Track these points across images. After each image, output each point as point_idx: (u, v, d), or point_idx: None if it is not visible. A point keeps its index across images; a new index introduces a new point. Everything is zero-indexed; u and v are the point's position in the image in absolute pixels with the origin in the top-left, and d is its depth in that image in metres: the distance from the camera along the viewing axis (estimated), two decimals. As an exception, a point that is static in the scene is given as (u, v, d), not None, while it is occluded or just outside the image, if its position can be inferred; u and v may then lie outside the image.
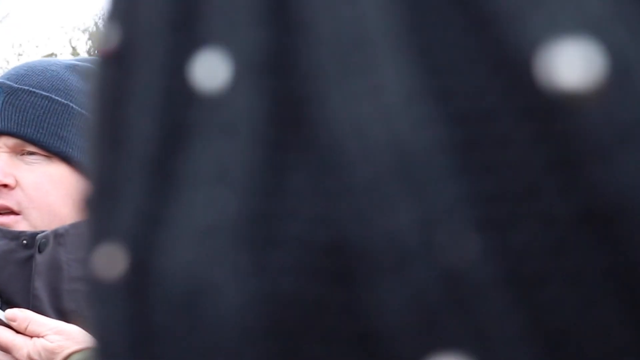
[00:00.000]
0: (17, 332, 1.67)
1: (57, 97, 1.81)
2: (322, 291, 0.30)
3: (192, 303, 0.32)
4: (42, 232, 1.76)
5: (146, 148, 0.34)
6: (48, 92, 1.81)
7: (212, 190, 0.32)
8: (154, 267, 0.33)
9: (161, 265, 0.32)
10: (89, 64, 1.89)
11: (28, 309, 1.68)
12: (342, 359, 0.30)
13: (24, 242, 1.76)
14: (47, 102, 1.80)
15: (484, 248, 0.29)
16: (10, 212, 1.79)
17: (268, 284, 0.31)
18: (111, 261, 0.34)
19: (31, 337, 1.66)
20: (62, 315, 1.74)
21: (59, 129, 1.79)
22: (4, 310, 1.67)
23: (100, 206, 0.36)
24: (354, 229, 0.30)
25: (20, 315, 1.67)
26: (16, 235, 1.76)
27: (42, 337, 1.65)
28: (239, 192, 0.31)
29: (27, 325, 1.66)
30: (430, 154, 0.29)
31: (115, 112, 0.35)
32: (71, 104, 1.81)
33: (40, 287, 1.75)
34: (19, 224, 1.78)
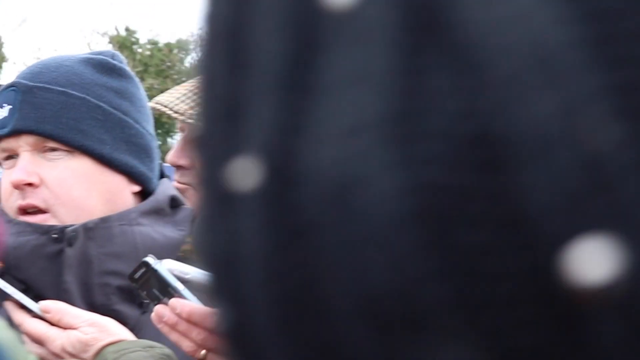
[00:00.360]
0: (51, 324, 1.67)
1: (73, 92, 1.81)
2: (468, 180, 0.32)
3: (341, 198, 0.34)
4: (72, 225, 1.76)
5: (277, 65, 0.36)
6: (64, 87, 1.81)
7: (354, 93, 0.34)
8: (297, 170, 0.35)
9: (306, 167, 0.35)
10: (102, 57, 1.89)
11: (60, 303, 1.68)
12: (490, 244, 0.32)
13: (54, 236, 1.77)
14: (63, 97, 1.80)
15: (623, 134, 0.31)
16: (37, 210, 1.79)
17: (415, 176, 0.33)
18: (245, 173, 0.36)
19: (65, 329, 1.66)
20: (93, 309, 1.74)
21: (78, 123, 1.80)
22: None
23: (226, 127, 0.38)
24: (498, 120, 0.32)
25: (54, 307, 1.67)
26: (46, 230, 1.77)
27: (76, 329, 1.65)
28: (381, 93, 0.33)
29: (61, 317, 1.66)
30: (567, 48, 0.31)
31: (236, 38, 0.37)
32: (88, 97, 1.82)
33: (70, 281, 1.76)
34: (47, 222, 1.79)
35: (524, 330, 0.32)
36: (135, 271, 1.65)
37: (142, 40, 30.54)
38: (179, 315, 1.56)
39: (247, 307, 0.37)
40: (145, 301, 1.73)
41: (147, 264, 1.65)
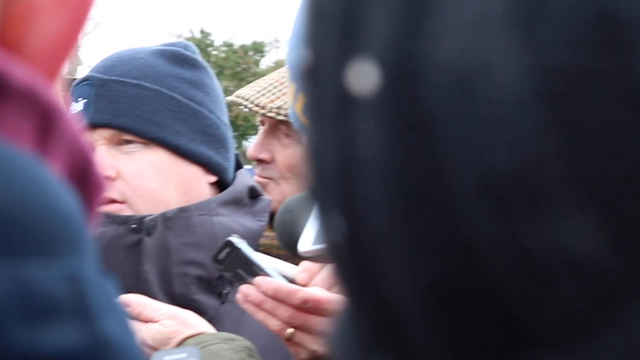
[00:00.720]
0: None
1: (147, 84, 1.81)
2: (592, 60, 0.34)
3: (465, 84, 0.35)
4: (150, 215, 1.76)
5: None
6: (138, 79, 1.81)
7: None
8: (418, 65, 0.36)
9: (427, 61, 0.36)
10: (175, 48, 1.88)
11: (138, 293, 1.69)
12: (611, 121, 0.34)
13: (133, 226, 1.77)
14: (137, 89, 1.80)
15: None
16: (113, 202, 1.79)
17: (540, 58, 0.34)
18: (365, 76, 0.38)
19: (145, 322, 1.65)
20: (172, 298, 1.74)
21: (153, 115, 1.79)
22: None
23: (344, 31, 0.39)
24: (619, 2, 0.33)
25: (134, 300, 1.67)
26: (124, 220, 1.77)
27: (156, 322, 1.64)
28: None
29: (141, 311, 1.66)
30: None
31: None
32: (162, 89, 1.81)
33: (149, 270, 1.76)
34: (124, 212, 1.79)
35: None
36: (219, 252, 1.62)
37: (217, 42, 30.76)
38: (264, 293, 1.53)
39: (363, 210, 0.38)
40: (224, 291, 1.71)
41: (231, 244, 1.63)
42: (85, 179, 0.47)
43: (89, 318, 0.42)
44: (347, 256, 0.40)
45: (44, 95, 0.45)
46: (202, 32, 30.07)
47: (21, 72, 0.43)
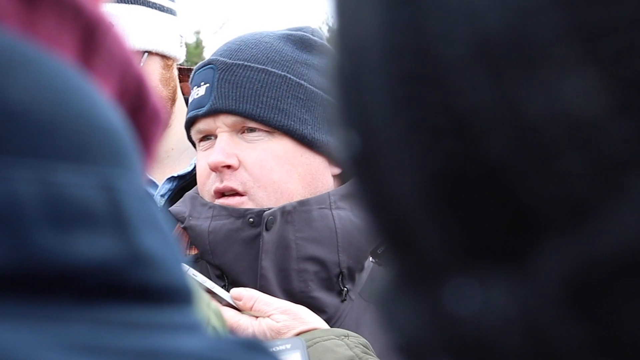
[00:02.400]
0: (241, 311, 1.60)
1: (273, 69, 1.74)
2: None
3: None
4: (269, 209, 1.68)
5: None
6: (264, 64, 1.74)
7: None
8: None
9: None
10: (302, 33, 1.80)
11: (255, 289, 1.64)
12: None
13: (250, 220, 1.71)
14: (263, 75, 1.73)
15: None
16: (235, 193, 1.72)
17: None
18: None
19: (257, 317, 1.61)
20: (290, 295, 1.70)
21: (279, 102, 1.72)
22: (229, 292, 1.61)
23: None
24: None
25: (245, 294, 1.62)
26: (242, 214, 1.71)
27: (268, 316, 1.60)
28: None
29: (253, 304, 1.61)
30: None
31: None
32: (289, 75, 1.74)
33: (267, 266, 1.70)
34: (245, 205, 1.73)
35: None
36: (378, 246, 1.54)
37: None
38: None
39: (368, 111, 0.38)
40: (344, 288, 1.64)
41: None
42: (139, 107, 0.47)
43: (124, 230, 0.41)
44: (362, 168, 0.40)
45: (87, 7, 0.44)
46: (329, 28, 30.18)
47: None
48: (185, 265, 1.51)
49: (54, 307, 0.38)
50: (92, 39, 0.44)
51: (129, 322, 0.40)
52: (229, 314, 1.61)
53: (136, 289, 0.41)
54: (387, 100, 0.37)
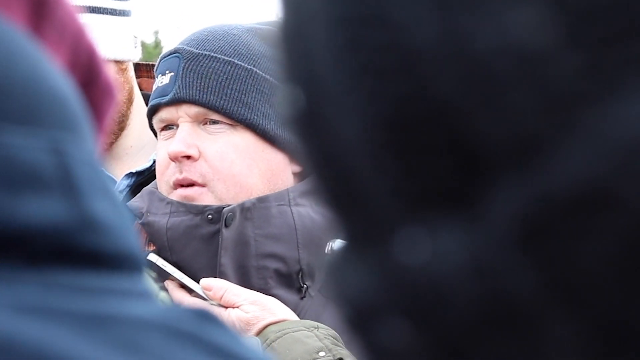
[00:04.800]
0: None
1: (239, 62, 1.71)
2: None
3: None
4: (228, 206, 1.64)
5: None
6: (230, 56, 1.71)
7: None
8: None
9: None
10: (270, 27, 1.76)
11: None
12: None
13: (209, 216, 1.69)
14: (229, 67, 1.70)
15: None
16: (193, 184, 1.67)
17: None
18: None
19: (226, 307, 1.60)
20: (250, 293, 1.67)
21: (243, 95, 1.69)
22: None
23: None
24: None
25: (215, 284, 1.61)
26: (201, 210, 1.68)
27: (237, 307, 1.59)
28: None
29: (223, 295, 1.60)
30: None
31: None
32: (254, 69, 1.71)
33: (226, 263, 1.69)
34: (203, 197, 1.69)
35: None
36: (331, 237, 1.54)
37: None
38: None
39: (312, 62, 0.37)
40: (304, 285, 1.61)
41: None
42: (91, 80, 0.47)
43: (73, 194, 0.41)
44: (306, 125, 0.39)
45: None
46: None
47: None
48: (154, 255, 1.48)
49: (2, 269, 0.38)
50: (43, 8, 0.44)
51: (78, 285, 0.40)
52: (198, 305, 1.57)
53: (86, 253, 0.41)
54: (330, 47, 0.36)
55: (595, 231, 0.31)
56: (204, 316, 0.43)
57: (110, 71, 0.39)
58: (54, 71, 0.43)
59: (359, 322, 0.38)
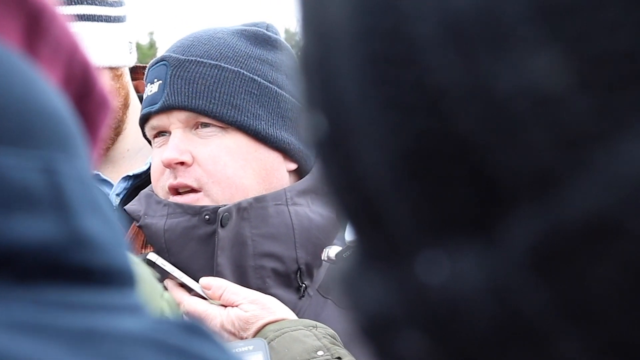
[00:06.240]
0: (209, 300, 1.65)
1: (226, 65, 1.73)
2: None
3: None
4: (224, 206, 1.66)
5: None
6: (217, 60, 1.73)
7: None
8: None
9: None
10: (257, 29, 1.77)
11: (211, 287, 1.63)
12: None
13: (206, 217, 1.71)
14: (216, 70, 1.72)
15: None
16: (190, 190, 1.70)
17: None
18: None
19: (225, 306, 1.61)
20: (247, 293, 1.67)
21: (232, 98, 1.71)
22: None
23: None
24: None
25: (214, 283, 1.62)
26: (197, 211, 1.70)
27: (236, 306, 1.60)
28: None
29: (222, 294, 1.61)
30: None
31: None
32: (242, 71, 1.73)
33: (223, 263, 1.70)
34: (200, 202, 1.72)
35: (609, 34, 0.33)
36: (345, 250, 1.53)
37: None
38: None
39: (337, 94, 0.39)
40: (302, 285, 1.63)
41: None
42: (85, 93, 0.47)
43: (65, 212, 0.41)
44: (329, 150, 0.41)
45: None
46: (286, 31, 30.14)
47: None
48: (154, 254, 1.49)
49: None
50: (37, 26, 0.44)
51: (68, 302, 0.41)
52: (198, 304, 1.62)
53: (76, 270, 0.41)
54: (358, 82, 0.38)
55: (603, 258, 0.33)
56: (193, 329, 0.44)
57: (105, 81, 0.40)
58: (47, 90, 0.43)
59: (375, 332, 0.40)
